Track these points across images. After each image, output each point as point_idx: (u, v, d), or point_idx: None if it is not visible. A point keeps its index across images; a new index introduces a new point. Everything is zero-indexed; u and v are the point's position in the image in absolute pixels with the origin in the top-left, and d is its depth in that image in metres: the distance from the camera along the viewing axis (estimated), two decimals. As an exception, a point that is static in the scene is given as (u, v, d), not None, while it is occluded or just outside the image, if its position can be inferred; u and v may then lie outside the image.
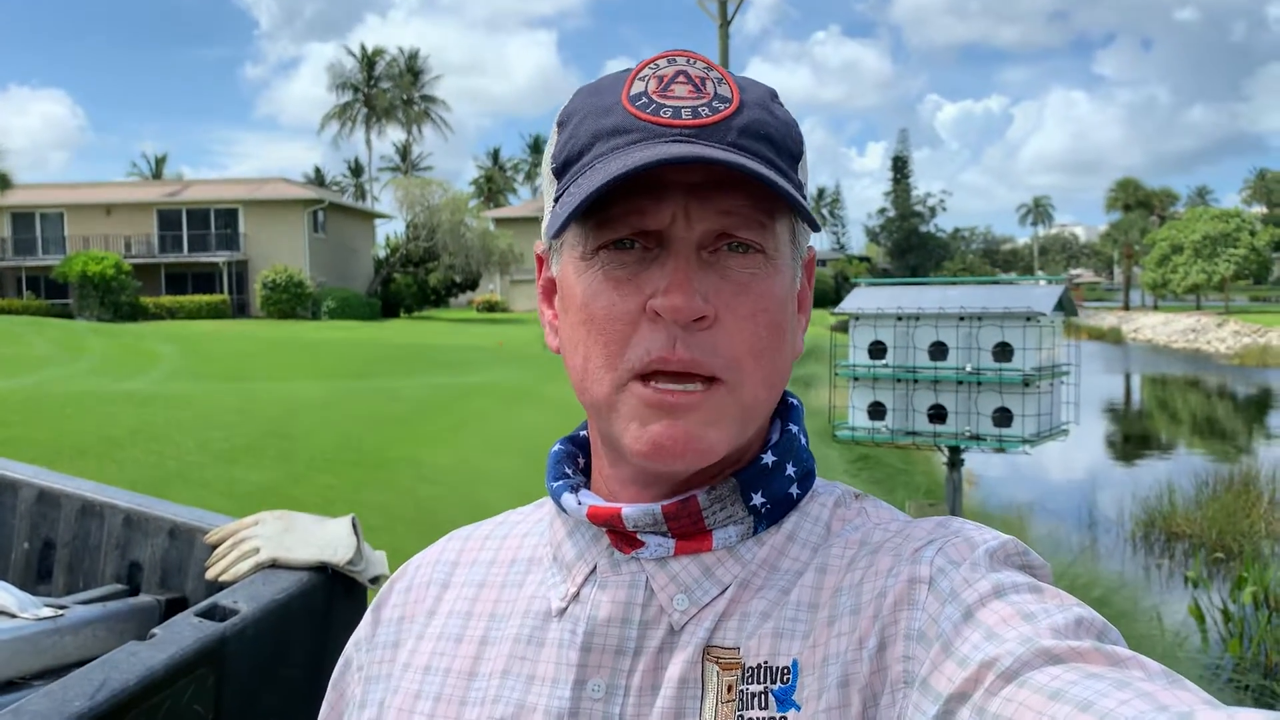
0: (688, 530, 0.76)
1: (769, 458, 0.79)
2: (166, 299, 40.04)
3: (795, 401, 0.85)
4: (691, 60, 0.75)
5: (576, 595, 0.79)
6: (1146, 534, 10.27)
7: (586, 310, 0.74)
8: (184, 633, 1.62)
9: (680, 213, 0.71)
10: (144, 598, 2.11)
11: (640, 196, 0.71)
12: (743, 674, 0.71)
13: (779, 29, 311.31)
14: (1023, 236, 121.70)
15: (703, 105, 0.73)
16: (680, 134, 0.72)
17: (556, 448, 0.88)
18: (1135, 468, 15.69)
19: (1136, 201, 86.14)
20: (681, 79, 0.74)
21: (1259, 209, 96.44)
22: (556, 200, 0.76)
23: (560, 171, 0.76)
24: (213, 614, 1.71)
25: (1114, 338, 49.52)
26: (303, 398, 12.47)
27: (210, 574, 1.99)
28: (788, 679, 0.70)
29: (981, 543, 0.71)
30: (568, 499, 0.81)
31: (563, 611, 0.79)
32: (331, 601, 1.93)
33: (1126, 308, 74.75)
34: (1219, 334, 45.91)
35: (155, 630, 1.63)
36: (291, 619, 1.83)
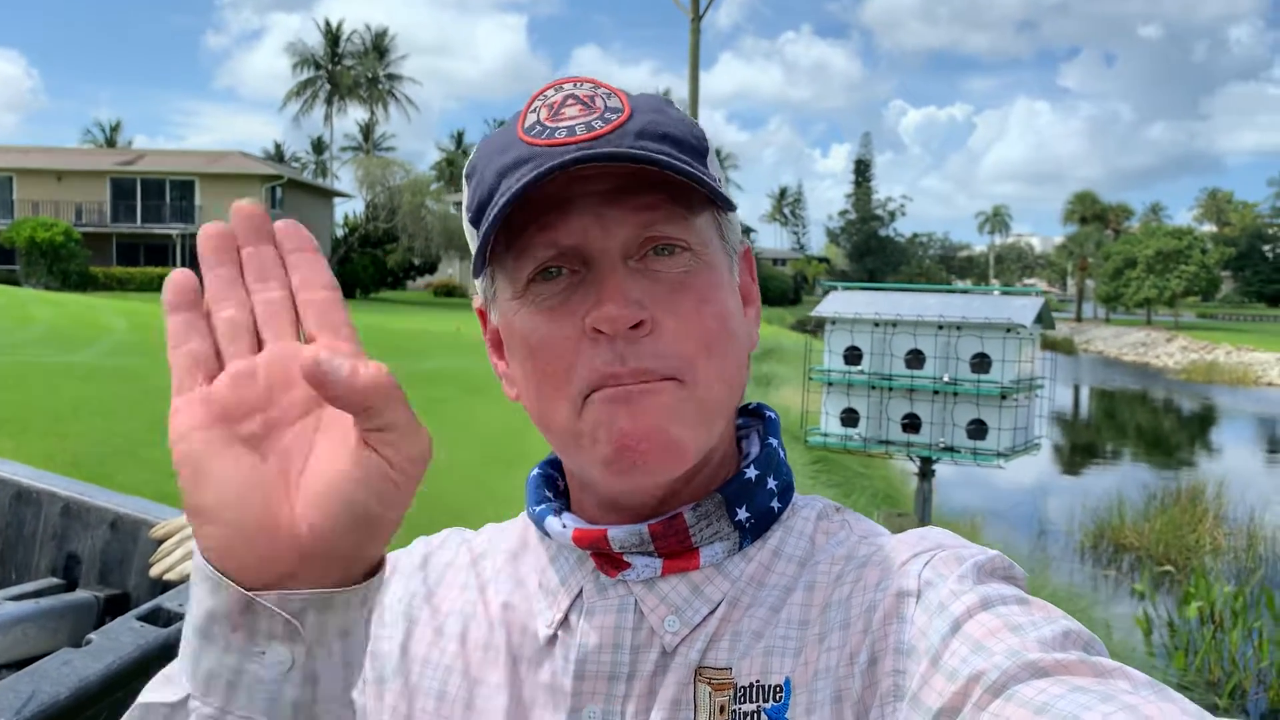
0: (675, 549, 0.75)
1: (752, 472, 0.78)
2: (118, 269, 39.42)
3: (772, 415, 0.86)
4: (579, 84, 0.76)
5: (564, 621, 0.78)
6: (1095, 545, 10.46)
7: (527, 346, 0.74)
8: (123, 639, 1.51)
9: (594, 222, 0.71)
10: (81, 594, 1.98)
11: (549, 215, 0.71)
12: (735, 693, 0.71)
13: (751, 25, 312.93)
14: (979, 244, 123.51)
15: (594, 119, 0.72)
16: (576, 149, 0.70)
17: (535, 471, 0.87)
18: (1085, 478, 15.92)
19: (1093, 215, 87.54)
20: (571, 101, 0.74)
21: (1209, 227, 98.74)
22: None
23: (476, 220, 0.76)
24: (155, 618, 1.60)
25: (1066, 348, 50.30)
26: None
27: (154, 571, 1.87)
28: (780, 697, 0.71)
29: (969, 556, 0.70)
30: (551, 523, 0.79)
31: (551, 638, 0.78)
32: None
33: (1079, 319, 76.18)
34: (1168, 349, 46.84)
35: (91, 635, 1.51)
36: None
